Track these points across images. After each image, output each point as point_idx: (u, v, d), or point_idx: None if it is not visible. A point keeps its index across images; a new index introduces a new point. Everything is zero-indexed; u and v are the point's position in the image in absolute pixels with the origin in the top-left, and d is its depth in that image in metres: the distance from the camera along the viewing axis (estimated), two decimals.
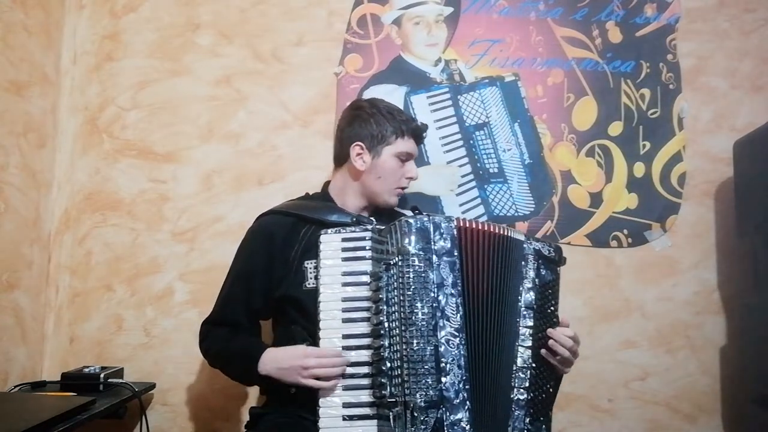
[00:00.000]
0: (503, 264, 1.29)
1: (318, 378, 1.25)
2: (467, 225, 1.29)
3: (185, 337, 1.85)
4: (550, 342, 1.29)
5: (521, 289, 1.29)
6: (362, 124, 1.50)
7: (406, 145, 1.51)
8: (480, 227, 1.30)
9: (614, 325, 1.87)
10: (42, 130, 1.86)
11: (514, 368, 1.26)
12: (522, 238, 1.33)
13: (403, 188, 1.54)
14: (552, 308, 1.33)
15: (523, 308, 1.28)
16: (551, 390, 1.30)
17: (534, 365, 1.26)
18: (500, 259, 1.30)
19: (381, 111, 1.51)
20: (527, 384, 1.25)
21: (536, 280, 1.30)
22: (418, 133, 1.54)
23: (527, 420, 1.24)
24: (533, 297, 1.30)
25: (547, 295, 1.32)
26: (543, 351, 1.29)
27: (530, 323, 1.28)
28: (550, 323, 1.32)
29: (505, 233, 1.32)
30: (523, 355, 1.26)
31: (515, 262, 1.31)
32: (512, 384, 1.25)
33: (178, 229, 1.91)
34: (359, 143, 1.50)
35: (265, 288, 1.44)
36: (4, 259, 1.68)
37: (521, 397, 1.24)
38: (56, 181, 1.93)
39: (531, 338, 1.27)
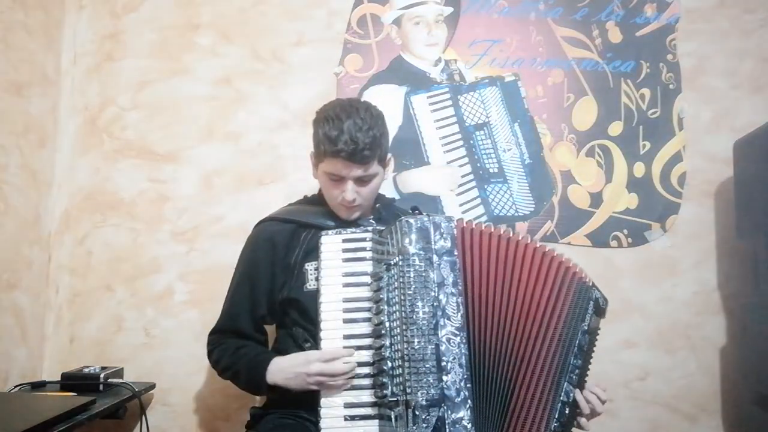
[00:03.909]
0: (563, 294, 1.28)
1: (323, 384, 1.24)
2: (469, 226, 1.30)
3: (185, 337, 1.85)
4: (585, 400, 1.29)
5: (580, 330, 1.29)
6: (313, 132, 1.42)
7: (331, 165, 1.37)
8: (481, 228, 1.30)
9: (614, 325, 1.87)
10: (42, 130, 1.86)
11: (558, 401, 1.25)
12: (591, 283, 1.32)
13: (350, 207, 1.42)
14: (590, 355, 1.33)
15: (576, 348, 1.28)
16: (572, 429, 1.31)
17: (572, 402, 1.26)
18: (547, 282, 1.28)
19: (324, 122, 1.37)
20: (564, 420, 1.25)
21: (590, 326, 1.31)
22: (341, 155, 1.34)
23: None
24: (587, 340, 1.30)
25: (593, 341, 1.32)
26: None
27: (580, 363, 1.28)
28: (587, 369, 1.32)
29: (577, 271, 1.30)
30: (568, 391, 1.26)
31: (581, 302, 1.30)
32: (554, 415, 1.24)
33: (178, 229, 1.91)
34: (312, 152, 1.46)
35: (269, 295, 1.44)
36: (4, 259, 1.68)
37: (558, 430, 1.24)
38: (56, 181, 1.93)
39: (577, 377, 1.27)
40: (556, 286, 1.28)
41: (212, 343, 1.47)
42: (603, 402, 1.30)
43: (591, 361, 1.33)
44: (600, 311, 1.34)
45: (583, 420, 1.30)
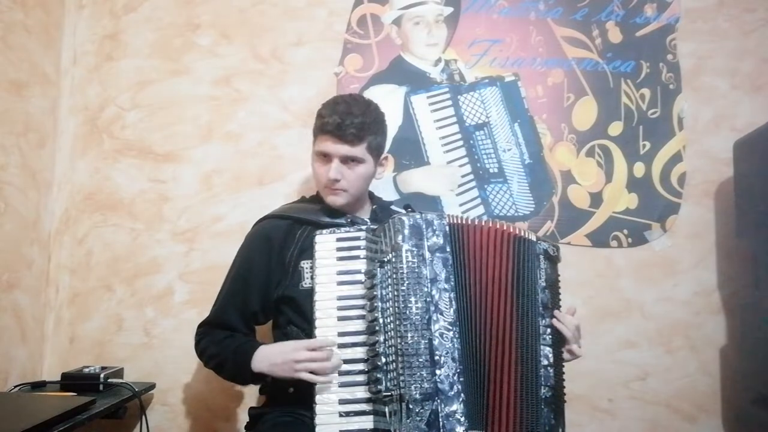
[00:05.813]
0: (509, 260, 1.29)
1: (312, 371, 1.25)
2: (459, 221, 1.31)
3: (185, 337, 1.84)
4: (557, 324, 1.30)
5: (538, 288, 1.30)
6: None
7: (320, 143, 1.44)
8: (472, 223, 1.32)
9: (614, 325, 1.87)
10: (42, 130, 1.86)
11: (540, 366, 1.26)
12: (533, 238, 1.33)
13: (334, 189, 1.44)
14: (559, 306, 1.35)
15: (540, 308, 1.29)
16: (564, 385, 1.32)
17: (554, 362, 1.27)
18: (502, 255, 1.29)
19: (322, 107, 1.47)
20: (552, 382, 1.26)
21: (548, 279, 1.32)
22: (327, 129, 1.41)
23: (552, 415, 1.25)
24: (548, 296, 1.31)
25: (555, 293, 1.34)
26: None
27: (548, 321, 1.30)
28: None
29: (516, 232, 1.31)
30: (546, 353, 1.27)
31: (528, 261, 1.30)
32: (540, 382, 1.25)
33: (178, 229, 1.91)
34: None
35: (263, 291, 1.44)
36: (4, 259, 1.68)
37: (548, 395, 1.25)
38: (56, 181, 1.93)
39: (550, 336, 1.29)
40: (511, 257, 1.29)
41: (200, 334, 1.48)
42: (577, 327, 1.34)
43: (560, 310, 1.34)
44: (553, 259, 1.35)
45: (574, 347, 1.33)
